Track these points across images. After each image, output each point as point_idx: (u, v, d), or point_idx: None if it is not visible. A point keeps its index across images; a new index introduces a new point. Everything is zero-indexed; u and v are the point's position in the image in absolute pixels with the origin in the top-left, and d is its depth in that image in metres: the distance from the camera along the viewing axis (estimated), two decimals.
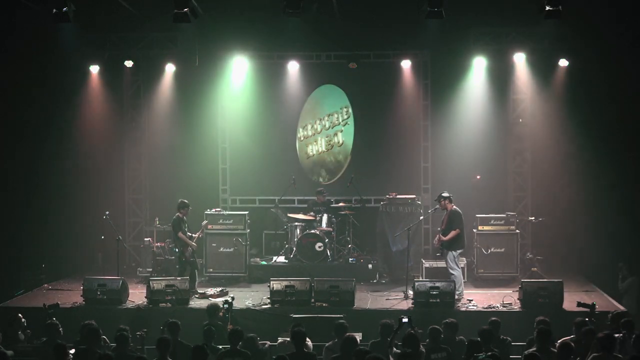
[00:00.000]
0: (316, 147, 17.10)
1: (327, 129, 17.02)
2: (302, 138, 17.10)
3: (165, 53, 16.43)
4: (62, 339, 9.70)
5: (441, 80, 16.52)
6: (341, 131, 16.96)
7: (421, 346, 9.16)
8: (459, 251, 13.23)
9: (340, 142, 16.98)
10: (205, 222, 14.61)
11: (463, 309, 12.55)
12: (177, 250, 13.99)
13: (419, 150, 16.77)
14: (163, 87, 16.85)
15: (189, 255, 13.77)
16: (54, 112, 16.19)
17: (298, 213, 15.82)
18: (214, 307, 10.97)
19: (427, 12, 13.15)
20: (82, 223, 16.12)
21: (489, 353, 8.25)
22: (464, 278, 13.76)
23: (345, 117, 16.91)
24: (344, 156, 17.01)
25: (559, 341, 9.39)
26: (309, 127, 17.10)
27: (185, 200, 13.96)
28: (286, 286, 12.71)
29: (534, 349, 8.76)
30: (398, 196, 15.17)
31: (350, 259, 15.23)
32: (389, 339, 9.19)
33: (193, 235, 13.95)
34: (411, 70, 16.57)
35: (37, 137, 16.06)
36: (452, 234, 13.03)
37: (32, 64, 15.44)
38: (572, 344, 8.63)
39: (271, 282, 12.84)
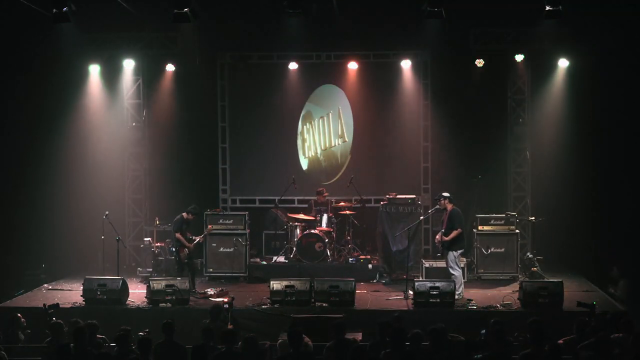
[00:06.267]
0: (314, 147, 17.12)
1: (326, 130, 17.04)
2: (303, 134, 17.10)
3: (165, 53, 16.44)
4: (66, 339, 9.69)
5: (441, 80, 16.52)
6: (339, 135, 17.00)
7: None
8: (459, 251, 13.23)
9: (338, 143, 17.00)
10: (209, 226, 14.61)
11: (463, 309, 12.54)
12: (174, 249, 13.99)
13: (419, 150, 16.78)
14: (163, 87, 16.85)
15: (184, 256, 13.75)
16: (54, 112, 16.19)
17: (298, 213, 15.83)
18: (217, 308, 10.93)
19: (427, 12, 13.18)
20: (82, 223, 16.11)
21: (487, 353, 8.25)
22: (464, 278, 13.75)
23: (344, 123, 16.92)
24: (344, 156, 17.03)
25: (559, 341, 9.39)
26: (309, 124, 17.10)
27: (198, 208, 14.02)
28: (286, 286, 12.70)
29: (529, 350, 8.76)
30: (398, 196, 15.15)
31: (350, 259, 15.23)
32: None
33: (194, 237, 13.95)
34: (411, 70, 16.57)
35: (36, 137, 16.08)
36: (453, 233, 13.03)
37: (32, 64, 15.45)
38: (560, 345, 8.63)
39: (271, 282, 12.84)
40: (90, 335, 9.55)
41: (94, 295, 12.75)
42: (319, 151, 17.15)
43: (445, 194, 13.27)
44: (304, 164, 17.16)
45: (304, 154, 17.17)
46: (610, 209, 15.65)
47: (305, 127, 17.12)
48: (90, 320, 9.86)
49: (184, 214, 13.88)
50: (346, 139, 17.02)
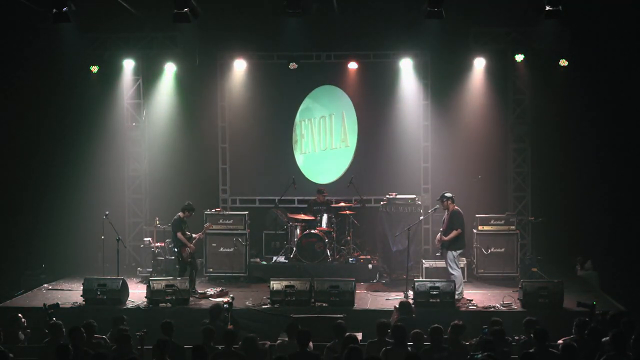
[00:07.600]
0: (313, 145, 17.11)
1: (327, 131, 17.04)
2: (301, 128, 17.06)
3: (165, 53, 16.44)
4: (65, 339, 9.68)
5: (441, 80, 16.52)
6: (342, 140, 17.01)
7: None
8: (459, 251, 13.22)
9: (340, 146, 17.00)
10: (207, 224, 14.62)
11: (463, 309, 12.54)
12: (175, 250, 14.00)
13: (419, 150, 16.78)
14: (163, 87, 16.86)
15: (187, 256, 13.75)
16: (54, 112, 16.21)
17: (298, 213, 15.83)
18: (217, 308, 10.93)
19: (427, 12, 13.17)
20: (82, 223, 16.11)
21: (486, 353, 8.26)
22: (464, 278, 13.75)
23: (347, 128, 16.91)
24: (345, 158, 17.02)
25: (559, 341, 9.39)
26: (307, 121, 17.07)
27: (192, 204, 13.99)
28: (286, 286, 12.71)
29: (532, 350, 8.75)
30: (398, 196, 15.14)
31: (350, 259, 15.23)
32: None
33: (194, 235, 13.95)
34: (411, 70, 16.58)
35: (36, 137, 16.09)
36: (453, 233, 13.02)
37: (32, 64, 15.45)
38: (575, 345, 8.62)
39: (271, 282, 12.85)
40: (88, 335, 9.55)
41: (94, 295, 12.77)
42: (317, 150, 17.14)
43: (448, 195, 13.25)
44: (299, 159, 17.10)
45: (300, 149, 17.12)
46: (611, 208, 15.64)
47: (303, 122, 17.08)
48: (88, 320, 9.86)
49: (181, 213, 13.87)
50: (348, 144, 17.01)
